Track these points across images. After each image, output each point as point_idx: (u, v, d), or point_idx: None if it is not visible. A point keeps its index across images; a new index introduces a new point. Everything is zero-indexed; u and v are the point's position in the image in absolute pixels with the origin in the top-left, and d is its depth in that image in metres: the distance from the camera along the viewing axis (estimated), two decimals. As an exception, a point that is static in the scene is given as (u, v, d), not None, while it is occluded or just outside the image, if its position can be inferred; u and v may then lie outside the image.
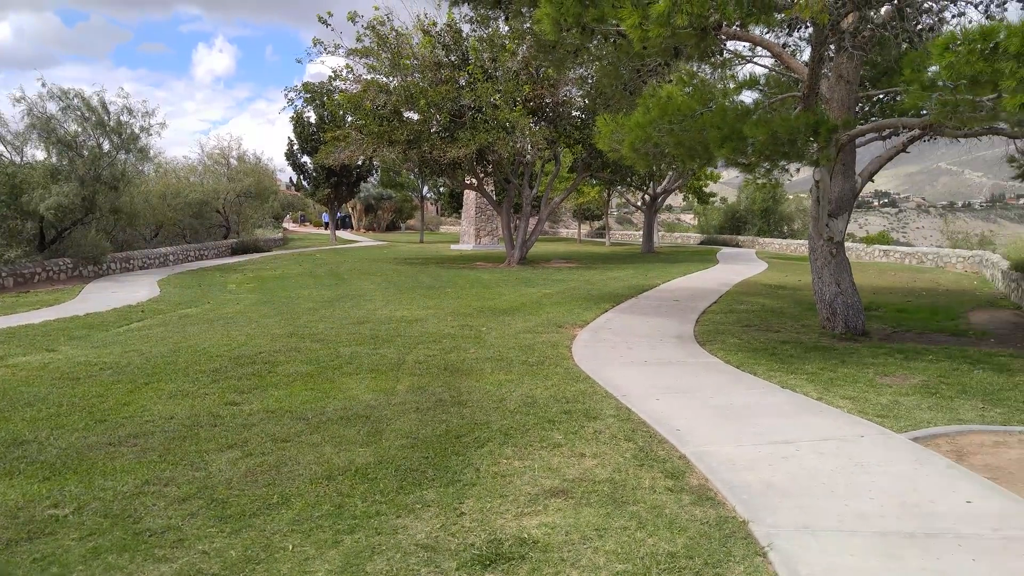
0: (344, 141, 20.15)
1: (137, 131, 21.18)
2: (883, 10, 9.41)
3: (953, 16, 9.95)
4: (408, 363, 7.86)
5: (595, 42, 7.07)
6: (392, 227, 54.87)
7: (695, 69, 13.18)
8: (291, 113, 35.52)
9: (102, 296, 14.96)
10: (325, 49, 19.52)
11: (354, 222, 53.97)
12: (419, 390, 6.67)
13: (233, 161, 33.84)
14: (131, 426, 5.58)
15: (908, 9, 9.06)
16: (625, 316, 11.60)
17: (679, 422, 5.57)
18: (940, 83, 6.86)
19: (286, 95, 25.76)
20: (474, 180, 23.48)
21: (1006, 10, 9.85)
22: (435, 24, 19.48)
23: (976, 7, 9.13)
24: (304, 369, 7.56)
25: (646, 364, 7.94)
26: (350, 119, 21.18)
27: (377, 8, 18.97)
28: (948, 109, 7.06)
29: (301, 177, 37.81)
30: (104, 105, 20.41)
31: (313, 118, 34.88)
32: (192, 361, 7.95)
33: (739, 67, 12.38)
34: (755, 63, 12.21)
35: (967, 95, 6.69)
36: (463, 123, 19.23)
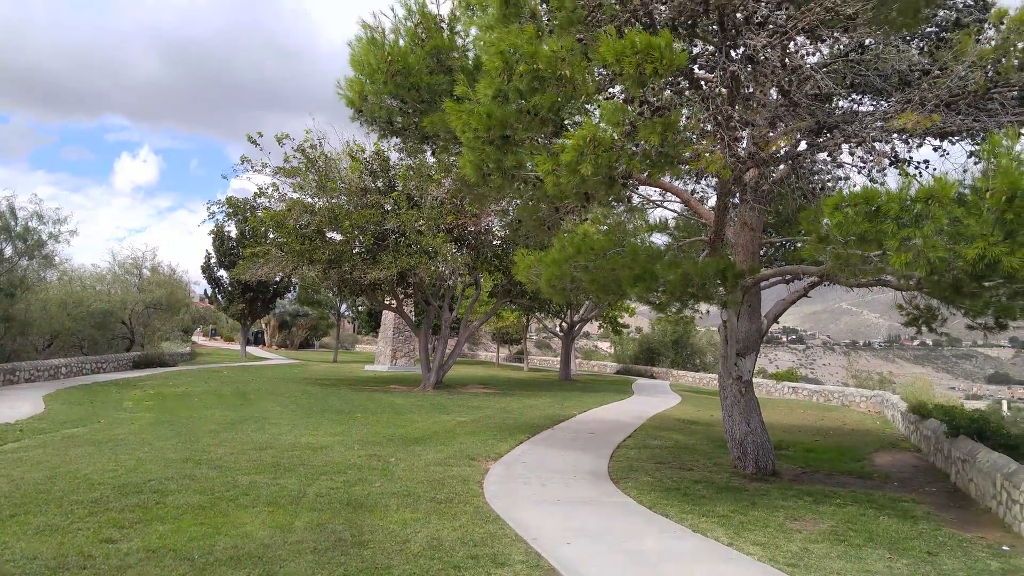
0: (264, 257, 19.91)
1: (45, 238, 20.45)
2: (780, 168, 10.24)
3: (840, 179, 10.88)
4: (309, 496, 7.41)
5: (515, 184, 7.37)
6: (306, 344, 53.54)
7: (611, 209, 13.84)
8: (212, 226, 35.01)
9: (-24, 411, 13.73)
10: (252, 166, 19.66)
11: (267, 338, 52.49)
12: (318, 527, 6.25)
13: (146, 271, 32.68)
14: (-17, 569, 4.95)
15: (801, 169, 9.87)
16: (540, 448, 11.43)
17: (590, 569, 5.37)
18: (833, 237, 7.39)
19: (208, 208, 25.57)
20: (394, 301, 23.43)
21: (886, 175, 10.89)
22: (364, 150, 20.00)
23: (860, 172, 10.04)
24: (196, 500, 7.01)
25: (559, 503, 7.74)
26: (272, 236, 21.06)
27: (309, 132, 19.40)
28: (841, 262, 7.58)
29: (216, 291, 36.86)
30: (12, 210, 19.75)
31: (234, 232, 34.53)
32: (69, 489, 7.26)
33: (652, 209, 13.06)
34: (665, 207, 12.96)
35: (856, 250, 7.22)
36: (386, 246, 19.39)
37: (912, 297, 11.62)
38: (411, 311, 28.90)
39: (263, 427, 12.44)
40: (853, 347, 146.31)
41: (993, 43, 8.70)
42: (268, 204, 20.70)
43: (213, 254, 35.97)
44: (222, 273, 36.01)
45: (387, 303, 24.84)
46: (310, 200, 19.62)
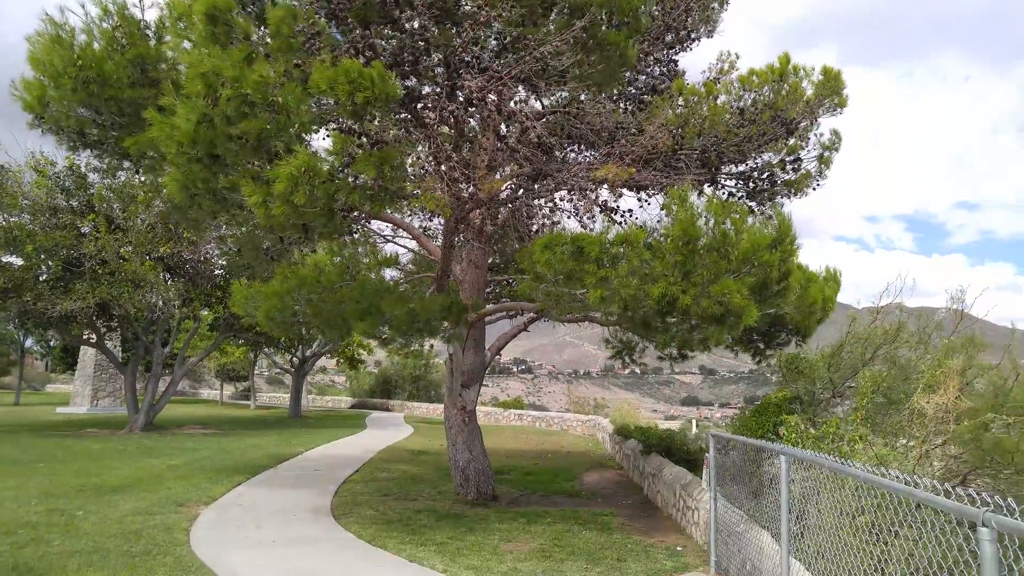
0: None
1: None
2: (503, 210, 10.88)
3: (556, 224, 11.82)
4: (-43, 571, 6.12)
5: (231, 210, 6.90)
6: (-21, 386, 44.96)
7: (340, 242, 13.62)
8: None
9: None
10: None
11: (-78, 381, 43.17)
12: (-35, 609, 5.17)
13: None
14: None
15: (520, 213, 10.57)
16: (260, 489, 10.71)
17: (299, 617, 5.09)
18: (545, 275, 7.98)
19: None
20: (93, 335, 20.64)
21: (595, 221, 12.10)
22: (54, 165, 17.43)
23: (570, 217, 11.00)
24: None
25: (274, 544, 7.30)
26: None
27: (-17, 137, 16.45)
28: (552, 299, 8.20)
29: None
30: None
31: None
32: None
33: (384, 245, 13.06)
34: (397, 244, 13.08)
35: (565, 288, 7.87)
36: (81, 273, 17.01)
37: (615, 332, 12.99)
38: (116, 346, 25.77)
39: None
40: (575, 376, 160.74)
41: (680, 111, 10.13)
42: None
43: None
44: None
45: (86, 337, 21.81)
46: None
